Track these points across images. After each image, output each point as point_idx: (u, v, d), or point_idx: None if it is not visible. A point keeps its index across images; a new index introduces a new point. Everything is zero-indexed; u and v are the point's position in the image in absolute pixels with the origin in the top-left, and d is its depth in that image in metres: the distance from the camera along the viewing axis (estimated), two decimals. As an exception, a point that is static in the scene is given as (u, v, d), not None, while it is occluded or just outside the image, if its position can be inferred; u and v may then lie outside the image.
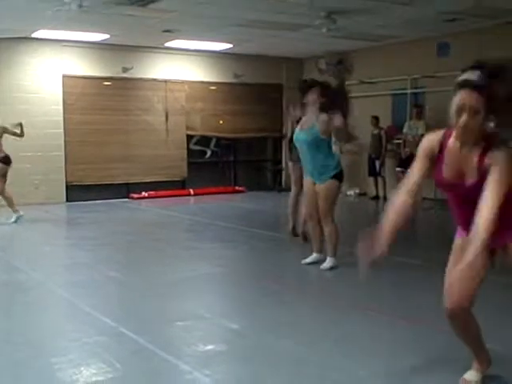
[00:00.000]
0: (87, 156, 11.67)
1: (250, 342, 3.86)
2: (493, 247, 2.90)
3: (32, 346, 3.76)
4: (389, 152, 11.80)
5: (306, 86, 5.87)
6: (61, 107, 11.42)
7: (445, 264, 2.98)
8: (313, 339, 3.90)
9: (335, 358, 3.55)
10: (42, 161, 11.16)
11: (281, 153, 13.90)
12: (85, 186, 11.71)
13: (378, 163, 11.73)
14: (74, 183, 11.63)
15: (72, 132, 11.55)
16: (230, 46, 11.90)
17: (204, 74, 12.97)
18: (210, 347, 3.78)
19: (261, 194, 12.94)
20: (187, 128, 12.86)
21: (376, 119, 11.66)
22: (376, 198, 11.93)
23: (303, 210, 7.03)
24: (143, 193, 12.10)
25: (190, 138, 13.02)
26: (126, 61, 11.98)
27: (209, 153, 13.55)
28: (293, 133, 6.66)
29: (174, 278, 5.62)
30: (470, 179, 2.74)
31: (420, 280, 5.32)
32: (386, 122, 11.90)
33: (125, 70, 11.97)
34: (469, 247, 2.55)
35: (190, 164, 12.94)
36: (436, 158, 2.83)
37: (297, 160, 6.62)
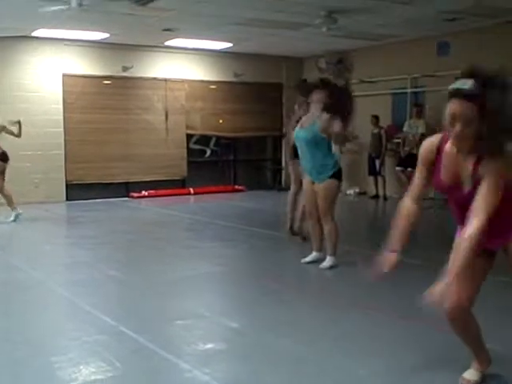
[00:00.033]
0: (87, 155, 11.67)
1: (250, 341, 3.87)
2: (492, 249, 2.91)
3: (31, 345, 3.76)
4: (389, 151, 11.80)
5: (313, 85, 5.86)
6: (61, 106, 11.42)
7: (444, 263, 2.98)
8: (312, 338, 3.91)
9: (334, 356, 3.56)
10: (41, 160, 11.17)
11: (280, 152, 13.91)
12: (85, 184, 11.71)
13: (377, 162, 11.73)
14: (74, 182, 11.63)
15: (72, 131, 11.55)
16: (230, 44, 11.90)
17: (204, 73, 12.97)
18: (209, 346, 3.78)
19: (260, 193, 12.94)
20: (187, 127, 12.86)
21: (376, 118, 11.66)
22: (376, 197, 11.93)
23: (301, 208, 7.07)
24: (143, 192, 12.11)
25: (189, 137, 13.02)
26: (126, 60, 11.98)
27: (208, 152, 13.56)
28: None
29: (174, 276, 5.62)
30: (466, 186, 2.77)
31: (420, 279, 5.28)
32: (385, 121, 11.90)
33: (125, 68, 11.97)
34: (456, 254, 2.64)
35: (189, 163, 12.95)
36: (434, 163, 2.85)
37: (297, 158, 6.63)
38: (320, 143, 5.69)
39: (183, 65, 12.71)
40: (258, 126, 13.52)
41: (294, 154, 6.88)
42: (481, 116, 2.58)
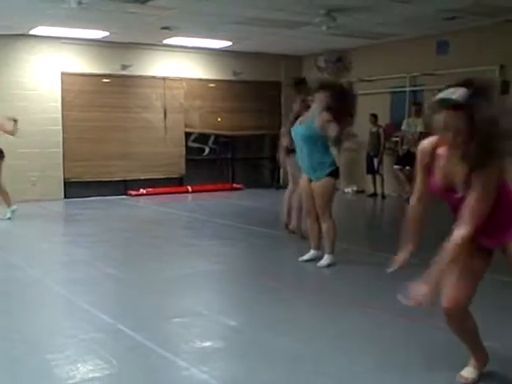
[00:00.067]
0: (85, 153, 11.66)
1: (248, 339, 3.86)
2: (489, 248, 2.91)
3: (29, 343, 3.75)
4: (387, 150, 11.80)
5: (318, 86, 5.83)
6: (59, 104, 11.41)
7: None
8: (310, 336, 3.90)
9: (332, 355, 3.55)
10: (39, 157, 11.15)
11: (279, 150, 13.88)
12: (83, 182, 11.70)
13: (376, 161, 11.73)
14: (72, 180, 11.61)
15: (70, 129, 11.53)
16: (229, 43, 11.89)
17: (203, 71, 12.96)
18: (207, 344, 3.78)
19: (259, 192, 12.93)
20: (185, 125, 12.85)
21: (374, 117, 11.66)
22: (374, 195, 11.93)
23: (296, 206, 7.09)
24: (141, 190, 12.10)
25: (188, 135, 13.01)
26: (125, 58, 11.96)
27: (207, 150, 13.55)
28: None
29: (172, 274, 5.62)
30: (460, 192, 2.78)
31: (418, 278, 5.31)
32: (384, 119, 11.90)
33: (123, 67, 11.95)
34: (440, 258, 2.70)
35: (188, 161, 12.93)
36: (429, 165, 2.88)
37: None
38: (317, 141, 5.68)
39: (182, 63, 12.70)
40: (256, 124, 13.51)
41: (291, 151, 6.89)
42: (471, 125, 2.59)
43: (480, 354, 3.11)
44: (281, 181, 13.52)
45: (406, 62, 11.51)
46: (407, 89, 11.68)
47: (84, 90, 11.64)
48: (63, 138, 11.48)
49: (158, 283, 5.30)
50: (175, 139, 12.72)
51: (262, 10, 8.91)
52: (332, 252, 5.83)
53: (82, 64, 11.66)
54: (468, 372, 3.09)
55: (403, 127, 11.12)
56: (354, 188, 12.63)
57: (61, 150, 11.46)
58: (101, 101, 11.82)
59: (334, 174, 5.79)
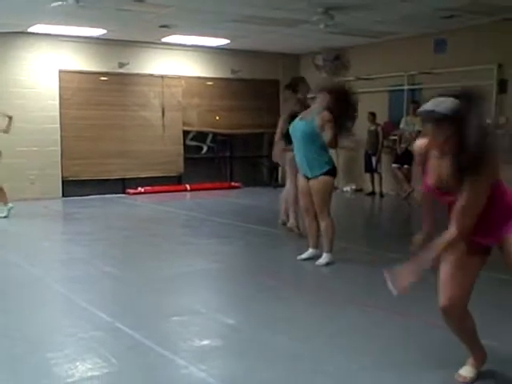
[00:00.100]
0: (83, 151, 11.65)
1: (246, 337, 3.87)
2: (486, 245, 2.92)
3: (28, 341, 3.76)
4: (385, 148, 11.81)
5: (321, 88, 5.84)
6: (57, 102, 11.39)
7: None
8: (308, 335, 3.91)
9: (331, 353, 3.56)
10: (38, 156, 11.14)
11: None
12: (81, 181, 11.69)
13: (374, 159, 11.74)
14: (70, 178, 11.60)
15: (68, 127, 11.52)
16: (227, 41, 11.88)
17: (201, 69, 12.95)
18: (205, 342, 3.78)
19: (257, 190, 12.94)
20: (184, 124, 12.85)
21: (373, 115, 11.67)
22: (372, 194, 11.94)
23: (292, 204, 7.13)
24: (139, 188, 12.10)
25: (186, 133, 13.01)
26: (123, 56, 11.95)
27: (205, 148, 13.55)
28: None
29: (170, 273, 5.62)
30: (451, 193, 2.80)
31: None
32: (382, 118, 11.91)
33: (121, 65, 11.94)
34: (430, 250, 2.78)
35: (186, 159, 12.94)
36: (423, 165, 2.92)
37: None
38: (315, 138, 5.69)
39: (180, 61, 12.69)
40: (254, 122, 13.51)
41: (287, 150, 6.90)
42: (457, 136, 2.62)
43: (478, 353, 3.12)
44: (279, 179, 13.53)
45: (403, 61, 11.52)
46: (405, 87, 11.69)
47: (82, 87, 11.63)
48: (61, 137, 11.47)
49: (156, 281, 5.31)
50: (173, 137, 12.72)
51: (260, 8, 8.91)
52: (330, 250, 5.84)
53: (80, 62, 11.65)
54: (466, 371, 3.10)
55: (401, 126, 11.14)
56: (353, 187, 12.64)
57: (59, 148, 11.45)
58: (99, 99, 11.81)
59: (332, 172, 5.80)
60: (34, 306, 4.57)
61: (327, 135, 5.61)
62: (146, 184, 12.21)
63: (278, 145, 7.39)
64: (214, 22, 10.03)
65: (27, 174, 10.98)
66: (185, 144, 12.97)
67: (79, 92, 11.60)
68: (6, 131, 8.87)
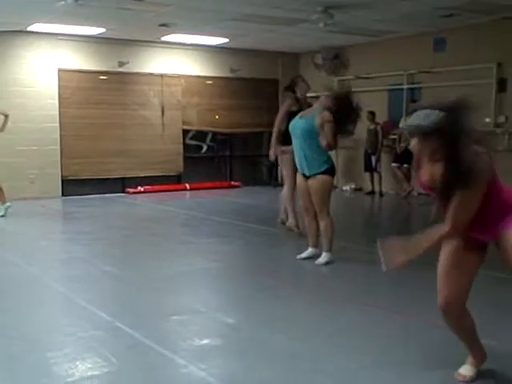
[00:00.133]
0: (83, 150, 11.65)
1: (246, 337, 3.87)
2: (483, 242, 2.92)
3: (27, 340, 3.76)
4: (385, 147, 11.81)
5: (326, 94, 5.83)
6: (56, 101, 11.39)
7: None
8: (308, 334, 3.91)
9: (330, 352, 3.56)
10: (37, 155, 11.14)
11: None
12: (80, 180, 11.70)
13: (373, 158, 11.74)
14: (70, 177, 11.61)
15: (68, 126, 11.52)
16: (226, 40, 11.88)
17: (200, 68, 12.95)
18: (205, 341, 3.78)
19: (256, 189, 12.95)
20: (183, 123, 12.85)
21: (372, 114, 11.66)
22: (372, 193, 11.94)
23: (289, 203, 7.22)
24: (139, 187, 12.10)
25: (185, 132, 13.01)
26: (122, 55, 11.95)
27: (205, 147, 13.54)
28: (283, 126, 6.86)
29: (170, 272, 5.62)
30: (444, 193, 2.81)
31: (416, 275, 5.33)
32: (382, 117, 11.91)
33: (121, 64, 11.94)
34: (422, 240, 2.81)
35: (185, 159, 12.94)
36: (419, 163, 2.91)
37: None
38: (315, 136, 5.69)
39: (179, 60, 12.69)
40: (254, 121, 13.51)
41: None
42: (444, 148, 2.62)
43: (477, 352, 3.12)
44: (279, 178, 13.53)
45: (403, 60, 11.53)
46: (405, 86, 11.69)
47: (81, 86, 11.63)
48: (61, 136, 11.47)
49: (156, 281, 5.31)
50: (173, 136, 12.72)
51: (259, 6, 8.91)
52: (330, 250, 5.84)
53: (79, 61, 11.65)
54: (466, 370, 3.10)
55: (401, 125, 11.13)
56: (352, 186, 12.64)
57: (58, 147, 11.45)
58: (98, 98, 11.81)
59: (330, 171, 5.80)
60: (32, 305, 4.57)
61: (326, 136, 5.60)
62: (146, 183, 12.22)
63: (275, 144, 7.41)
64: (214, 21, 10.04)
65: (27, 174, 10.98)
66: (184, 143, 12.98)
67: (79, 91, 11.60)
68: (1, 129, 8.84)
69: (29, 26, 10.33)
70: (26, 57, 11.07)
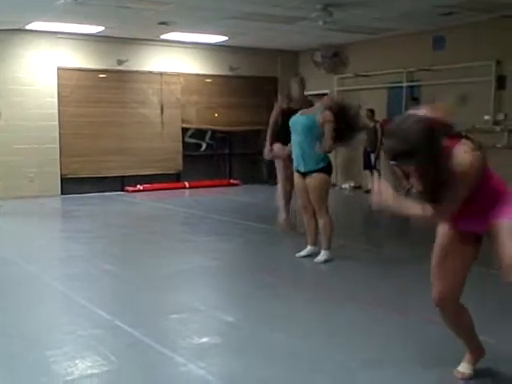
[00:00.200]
0: (82, 148, 11.64)
1: (245, 335, 3.88)
2: (477, 234, 2.89)
3: (27, 339, 3.76)
4: (384, 145, 11.80)
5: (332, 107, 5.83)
6: (55, 99, 11.38)
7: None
8: (307, 332, 3.92)
9: (329, 350, 3.57)
10: (36, 153, 11.13)
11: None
12: (79, 178, 11.69)
13: (373, 156, 11.74)
14: (69, 176, 11.60)
15: (67, 124, 11.51)
16: (226, 38, 11.88)
17: (199, 66, 12.94)
18: (204, 340, 3.79)
19: (256, 187, 12.94)
20: (182, 121, 12.85)
21: (371, 112, 11.67)
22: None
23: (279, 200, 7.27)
24: (138, 186, 12.09)
25: (185, 130, 13.00)
26: (121, 53, 11.94)
27: (204, 146, 13.53)
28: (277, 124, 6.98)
29: (169, 270, 5.62)
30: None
31: (414, 273, 5.33)
32: (381, 115, 11.90)
33: (120, 62, 11.93)
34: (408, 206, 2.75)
35: (185, 157, 12.93)
36: None
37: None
38: (314, 133, 5.69)
39: (179, 58, 12.68)
40: (253, 119, 13.48)
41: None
42: (420, 167, 2.60)
43: (475, 349, 3.12)
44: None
45: (402, 58, 11.52)
46: (404, 84, 11.69)
47: (80, 85, 11.62)
48: (60, 134, 11.46)
49: (155, 279, 5.31)
50: (172, 135, 12.71)
51: (259, 4, 8.90)
52: (329, 248, 5.85)
53: (79, 59, 11.64)
54: (464, 367, 3.11)
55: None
56: (352, 184, 12.65)
57: (57, 145, 11.44)
58: (97, 96, 11.80)
59: (327, 169, 5.80)
60: (31, 304, 4.58)
61: (325, 137, 5.61)
62: (145, 181, 12.21)
63: (268, 144, 7.44)
64: (213, 19, 10.03)
65: (25, 172, 10.97)
66: (184, 141, 12.97)
67: (78, 89, 11.59)
68: None
69: (28, 24, 10.32)
70: (25, 55, 11.06)
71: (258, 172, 14.34)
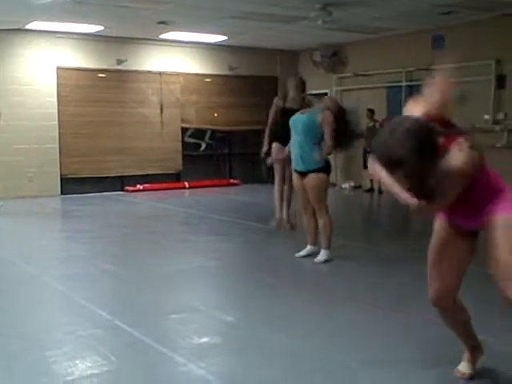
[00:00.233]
0: (82, 148, 11.65)
1: (245, 335, 3.88)
2: (473, 230, 2.87)
3: (26, 339, 3.76)
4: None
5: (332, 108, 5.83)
6: (55, 99, 11.39)
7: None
8: (307, 332, 3.92)
9: (329, 350, 3.57)
10: (36, 153, 11.13)
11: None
12: (79, 178, 11.69)
13: (372, 156, 11.73)
14: (69, 176, 11.60)
15: (66, 124, 11.52)
16: (225, 38, 11.88)
17: (199, 66, 12.95)
18: (204, 339, 3.79)
19: (255, 187, 12.94)
20: (182, 120, 12.85)
21: (371, 112, 11.67)
22: (371, 190, 11.95)
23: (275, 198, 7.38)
24: (138, 185, 12.09)
25: (184, 130, 13.01)
26: (121, 53, 11.95)
27: (203, 145, 13.53)
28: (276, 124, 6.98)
29: (169, 270, 5.62)
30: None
31: (414, 272, 5.33)
32: (381, 114, 11.90)
33: (119, 62, 11.94)
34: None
35: (184, 157, 12.94)
36: None
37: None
38: (314, 132, 5.69)
39: (178, 58, 12.69)
40: (252, 119, 13.48)
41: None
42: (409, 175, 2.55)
43: (474, 348, 3.12)
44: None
45: (401, 57, 11.52)
46: (403, 83, 11.69)
47: (80, 84, 11.62)
48: (59, 134, 11.46)
49: (155, 279, 5.31)
50: (172, 134, 12.72)
51: (258, 4, 8.90)
52: (328, 247, 5.85)
53: (78, 59, 11.64)
54: (464, 366, 3.11)
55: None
56: (351, 183, 12.65)
57: (57, 145, 11.44)
58: (97, 96, 11.81)
59: (325, 169, 5.80)
60: (31, 304, 4.58)
61: (325, 140, 5.62)
62: (145, 181, 12.22)
63: (266, 143, 7.46)
64: (213, 19, 10.03)
65: (25, 172, 10.97)
66: (183, 141, 12.97)
67: (77, 89, 11.59)
68: None
69: (27, 24, 10.32)
70: (24, 55, 11.06)
71: (257, 172, 14.33)
